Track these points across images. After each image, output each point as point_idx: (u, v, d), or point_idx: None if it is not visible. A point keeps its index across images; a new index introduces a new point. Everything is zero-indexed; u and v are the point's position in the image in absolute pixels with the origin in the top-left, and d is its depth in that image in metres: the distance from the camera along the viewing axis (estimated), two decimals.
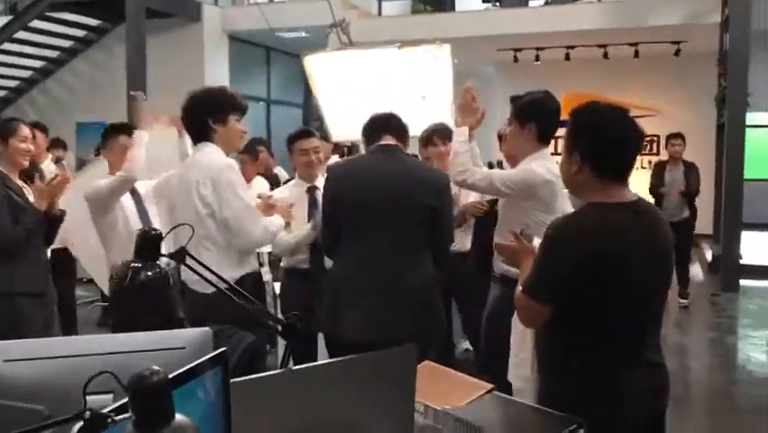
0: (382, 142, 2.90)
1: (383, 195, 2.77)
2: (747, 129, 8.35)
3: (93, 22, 10.96)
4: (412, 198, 2.78)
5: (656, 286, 1.98)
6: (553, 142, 3.19)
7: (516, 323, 2.35)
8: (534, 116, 3.07)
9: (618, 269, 1.86)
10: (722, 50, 9.08)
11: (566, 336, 1.95)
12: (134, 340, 1.56)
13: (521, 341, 2.36)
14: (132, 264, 1.62)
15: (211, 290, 1.85)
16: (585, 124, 1.97)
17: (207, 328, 1.58)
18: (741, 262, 8.36)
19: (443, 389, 1.94)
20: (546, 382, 2.04)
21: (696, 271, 7.63)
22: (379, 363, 1.75)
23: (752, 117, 8.99)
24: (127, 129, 3.87)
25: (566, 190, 2.44)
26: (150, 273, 1.62)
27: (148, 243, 1.63)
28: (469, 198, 4.07)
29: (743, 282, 8.29)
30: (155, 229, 1.67)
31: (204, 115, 2.96)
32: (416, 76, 4.68)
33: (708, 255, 9.25)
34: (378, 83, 4.75)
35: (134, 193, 3.80)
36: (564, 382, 1.96)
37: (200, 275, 1.72)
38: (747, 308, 7.69)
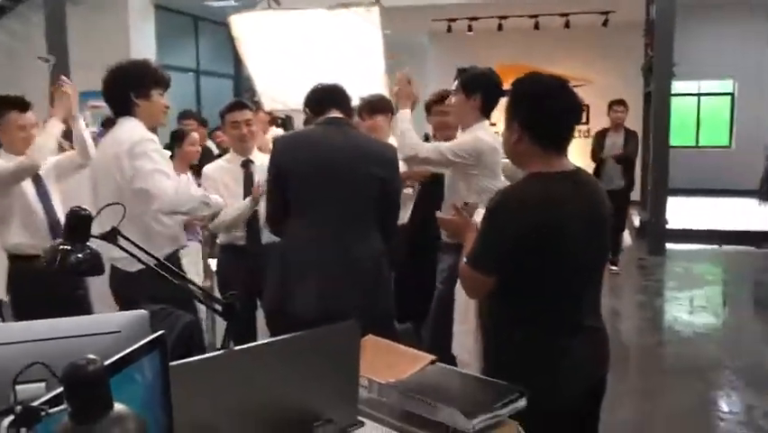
0: (330, 115, 2.85)
1: (331, 168, 2.72)
2: (673, 98, 8.59)
3: None
4: (360, 170, 2.75)
5: (595, 254, 2.02)
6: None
7: (459, 294, 2.37)
8: (481, 88, 3.16)
9: (558, 238, 1.89)
10: (648, 21, 9.28)
11: (508, 305, 1.98)
12: (67, 325, 1.50)
13: (465, 312, 2.38)
14: (62, 246, 1.54)
15: (137, 267, 1.78)
16: (525, 94, 1.98)
17: (144, 311, 1.53)
18: (667, 226, 8.66)
19: (386, 362, 1.94)
20: (489, 352, 2.07)
21: (625, 236, 7.84)
22: (322, 339, 1.73)
23: (677, 86, 9.26)
24: (20, 104, 3.54)
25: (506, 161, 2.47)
26: (80, 255, 1.55)
27: (78, 223, 1.55)
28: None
29: (669, 246, 8.60)
30: (84, 209, 1.59)
31: (126, 89, 2.85)
32: (346, 38, 4.60)
33: (636, 221, 9.53)
34: (307, 46, 4.66)
35: (35, 175, 3.53)
36: (507, 352, 1.99)
37: (131, 254, 1.65)
38: (673, 271, 7.99)
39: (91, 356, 0.91)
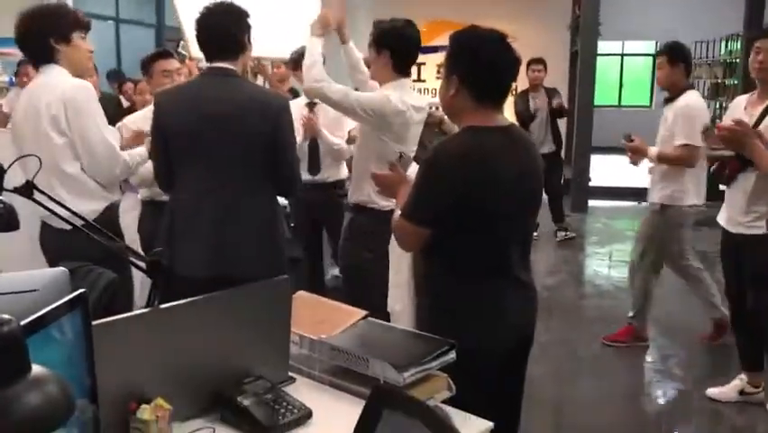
0: (215, 65, 2.66)
1: (215, 123, 2.56)
2: (597, 57, 8.75)
3: None
4: (243, 124, 2.59)
5: (527, 207, 2.06)
6: None
7: (393, 250, 2.37)
8: (389, 44, 3.03)
9: (492, 192, 1.90)
10: None
11: (441, 257, 1.99)
12: None
13: (398, 266, 2.38)
14: None
15: (68, 226, 1.70)
16: (463, 48, 1.97)
17: (63, 268, 1.46)
18: (590, 184, 8.89)
19: (317, 318, 1.93)
20: (423, 305, 2.09)
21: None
22: (251, 296, 1.70)
23: (602, 46, 9.43)
24: None
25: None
26: None
27: None
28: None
29: (591, 203, 8.85)
30: None
31: (44, 35, 2.66)
32: None
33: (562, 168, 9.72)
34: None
35: None
36: (439, 304, 2.02)
37: (51, 211, 1.57)
38: (594, 226, 8.25)
39: (5, 316, 0.86)
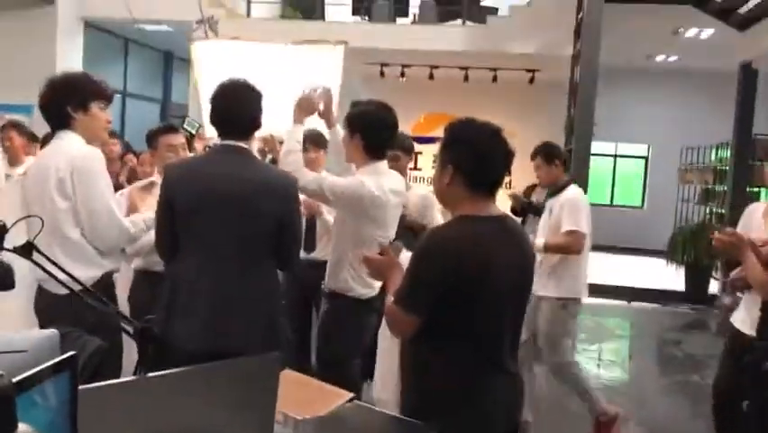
0: (227, 142, 2.70)
1: (225, 200, 2.58)
2: (591, 157, 8.94)
3: None
4: (256, 204, 2.61)
5: (518, 298, 2.07)
6: None
7: (382, 337, 2.36)
8: (360, 127, 3.03)
9: (483, 281, 1.92)
10: (572, 82, 9.68)
11: (430, 345, 1.98)
12: None
13: (386, 355, 2.37)
14: None
15: (65, 290, 1.71)
16: (459, 138, 2.03)
17: (54, 330, 1.46)
18: None
19: (303, 398, 1.91)
20: (408, 391, 2.07)
21: None
22: (240, 370, 1.69)
23: (596, 146, 9.66)
24: None
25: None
26: None
27: None
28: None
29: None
30: None
31: (63, 102, 2.73)
32: (304, 73, 4.39)
33: None
34: (265, 78, 4.52)
35: None
36: (426, 391, 2.00)
37: (50, 273, 1.58)
38: (584, 323, 8.20)
39: None
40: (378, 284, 3.04)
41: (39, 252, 1.56)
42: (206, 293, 2.58)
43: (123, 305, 3.48)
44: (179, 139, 3.62)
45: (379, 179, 3.01)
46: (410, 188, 4.00)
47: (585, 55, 8.70)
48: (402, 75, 11.72)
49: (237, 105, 2.69)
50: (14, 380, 0.96)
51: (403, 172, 3.82)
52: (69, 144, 2.72)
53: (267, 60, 4.75)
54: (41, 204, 2.65)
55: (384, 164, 3.12)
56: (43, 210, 2.51)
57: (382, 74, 11.82)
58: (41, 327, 2.56)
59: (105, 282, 2.76)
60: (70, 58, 10.44)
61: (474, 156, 1.99)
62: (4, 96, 7.46)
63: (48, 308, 2.64)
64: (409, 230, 3.36)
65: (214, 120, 2.74)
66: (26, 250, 1.55)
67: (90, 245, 2.72)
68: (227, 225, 2.58)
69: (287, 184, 2.74)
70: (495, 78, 11.54)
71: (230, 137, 2.70)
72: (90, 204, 2.68)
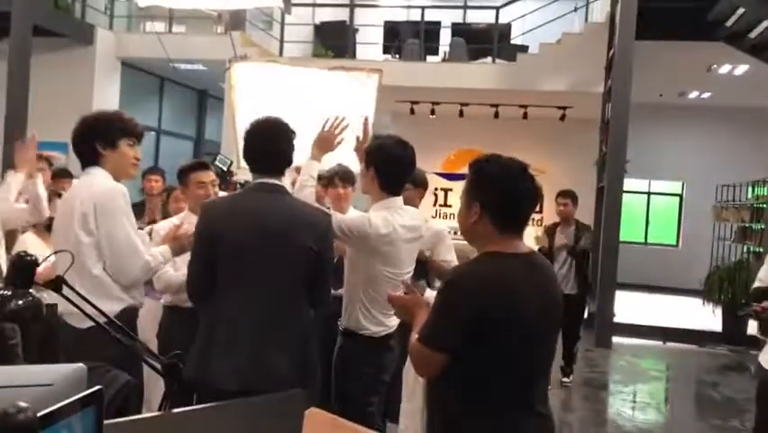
0: (263, 180, 2.71)
1: (264, 237, 2.59)
2: (624, 194, 8.85)
3: None
4: (294, 240, 2.62)
5: (547, 337, 2.02)
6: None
7: (407, 374, 2.33)
8: (376, 161, 3.01)
9: (512, 319, 1.88)
10: (604, 119, 9.64)
11: (457, 385, 1.94)
12: None
13: (412, 391, 2.33)
14: (2, 292, 1.47)
15: (87, 324, 1.71)
16: (485, 176, 2.00)
17: (81, 364, 1.45)
18: (614, 320, 8.76)
19: None
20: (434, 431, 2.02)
21: None
22: (264, 408, 1.67)
23: (628, 183, 9.56)
24: None
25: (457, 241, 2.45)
26: (20, 302, 1.48)
27: (21, 269, 1.49)
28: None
29: (615, 339, 8.68)
30: (29, 255, 1.53)
31: (92, 139, 2.79)
32: (339, 101, 4.42)
33: (584, 313, 9.61)
34: (300, 102, 4.45)
35: None
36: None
37: (78, 307, 1.59)
38: (618, 364, 8.04)
39: (23, 404, 0.86)
40: (393, 322, 3.00)
41: (68, 285, 1.57)
42: (250, 330, 2.56)
43: (153, 341, 3.49)
44: (210, 176, 3.65)
45: (390, 216, 2.99)
46: (427, 221, 3.97)
47: (616, 92, 8.67)
48: (432, 112, 11.78)
49: (270, 144, 2.72)
50: (40, 414, 0.95)
51: (412, 206, 3.81)
52: (96, 180, 2.76)
53: (302, 84, 4.72)
54: (66, 239, 2.69)
55: (399, 200, 3.10)
56: (67, 245, 2.54)
57: (412, 111, 11.90)
58: (65, 361, 2.57)
59: (128, 316, 2.76)
60: (107, 96, 10.70)
61: (502, 194, 1.97)
62: (43, 133, 7.62)
63: (70, 343, 2.65)
64: (417, 262, 3.31)
65: (248, 157, 2.76)
66: (56, 284, 1.56)
67: (111, 280, 2.73)
68: (268, 260, 2.59)
69: (324, 220, 2.76)
70: (525, 115, 11.54)
71: (264, 175, 2.72)
72: (113, 236, 2.70)
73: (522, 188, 1.98)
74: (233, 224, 2.62)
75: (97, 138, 2.79)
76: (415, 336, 2.00)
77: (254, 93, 4.77)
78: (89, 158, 2.81)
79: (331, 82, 4.73)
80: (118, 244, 2.72)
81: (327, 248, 2.72)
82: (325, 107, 4.30)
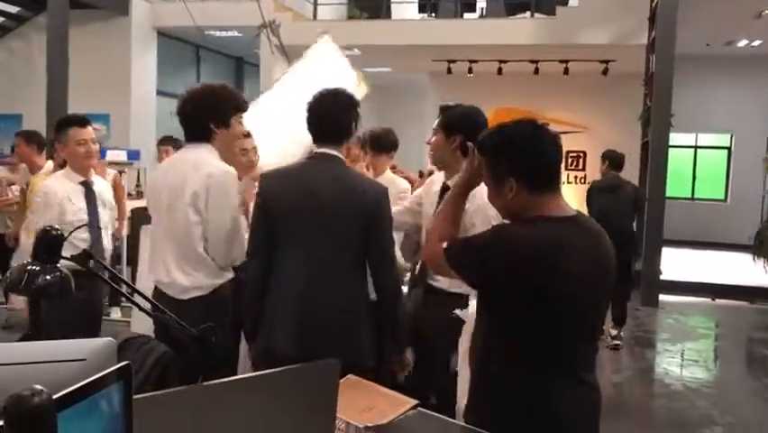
0: (320, 150, 2.75)
1: (316, 204, 2.63)
2: (670, 149, 8.61)
3: (11, 8, 10.48)
4: (346, 208, 2.64)
5: (595, 303, 1.94)
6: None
7: (463, 342, 2.30)
8: (462, 129, 2.96)
9: (558, 283, 1.81)
10: (648, 72, 9.35)
11: (500, 348, 1.90)
12: (29, 350, 1.42)
13: (464, 359, 2.29)
14: (30, 267, 1.46)
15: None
16: (505, 148, 1.93)
17: (111, 339, 1.45)
18: (661, 277, 8.60)
19: (365, 404, 1.86)
20: (477, 400, 1.99)
21: None
22: (298, 378, 1.65)
23: (674, 138, 9.29)
24: (79, 121, 3.60)
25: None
26: (48, 278, 1.47)
27: (47, 243, 1.48)
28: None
29: (662, 297, 8.53)
30: (56, 229, 1.52)
31: (206, 117, 2.76)
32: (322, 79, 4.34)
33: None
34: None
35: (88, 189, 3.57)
36: (496, 400, 1.91)
37: (108, 282, 1.58)
38: (666, 322, 7.91)
39: (37, 387, 0.84)
40: None
41: (96, 260, 1.56)
42: (300, 299, 2.62)
43: None
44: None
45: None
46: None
47: (660, 43, 8.38)
48: (470, 71, 11.58)
49: (329, 113, 2.73)
50: (63, 392, 0.94)
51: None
52: (206, 159, 2.74)
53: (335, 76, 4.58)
54: (172, 214, 2.72)
55: None
56: (173, 220, 2.64)
57: (449, 71, 11.72)
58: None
59: (227, 290, 2.82)
60: (145, 66, 10.77)
61: (528, 157, 1.89)
62: (83, 106, 7.72)
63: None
64: None
65: (309, 126, 2.78)
66: (84, 259, 1.54)
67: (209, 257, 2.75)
68: (320, 228, 2.62)
69: (378, 191, 2.75)
70: (566, 71, 11.27)
71: (322, 144, 2.74)
72: (221, 224, 2.72)
73: (543, 142, 1.90)
74: (284, 190, 2.68)
75: (211, 117, 2.76)
76: (443, 244, 1.99)
77: (303, 78, 4.60)
78: (201, 135, 2.78)
79: (309, 69, 4.57)
80: (225, 230, 2.74)
81: (381, 216, 2.70)
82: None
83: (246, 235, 2.82)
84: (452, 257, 1.96)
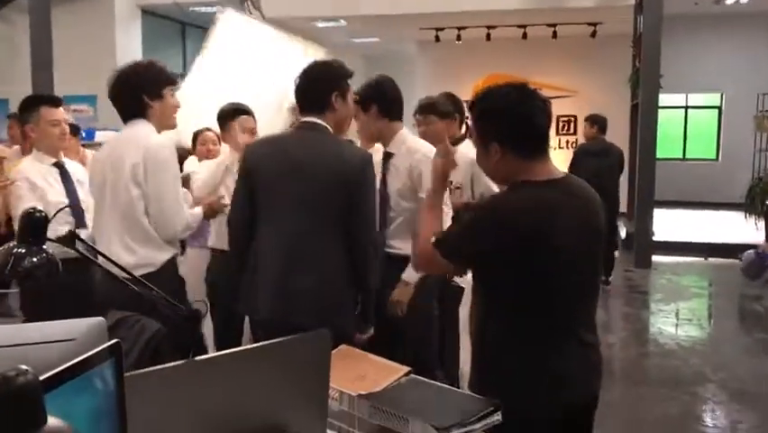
0: (305, 119, 2.76)
1: (292, 170, 2.65)
2: (660, 110, 8.60)
3: None
4: (326, 173, 2.64)
5: (588, 264, 1.96)
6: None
7: (464, 311, 2.32)
8: (374, 97, 3.17)
9: (550, 249, 1.83)
10: (636, 33, 9.30)
11: (499, 314, 1.93)
12: (18, 331, 1.42)
13: (465, 327, 2.32)
14: (15, 250, 1.46)
15: (123, 275, 1.72)
16: (491, 112, 1.93)
17: (101, 318, 1.45)
18: (653, 238, 8.64)
19: (358, 373, 1.88)
20: (477, 365, 2.01)
21: None
22: (290, 349, 1.66)
23: (664, 99, 9.27)
24: (51, 99, 3.54)
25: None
26: (35, 260, 1.47)
27: (33, 226, 1.47)
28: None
29: (655, 258, 8.58)
30: (40, 211, 1.52)
31: (139, 91, 2.77)
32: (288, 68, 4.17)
33: (623, 233, 9.52)
34: (258, 62, 4.51)
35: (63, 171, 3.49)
36: (494, 365, 1.94)
37: (93, 261, 1.58)
38: (659, 282, 7.97)
39: (23, 367, 0.84)
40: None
41: (81, 240, 1.56)
42: (276, 261, 2.65)
43: (196, 288, 3.48)
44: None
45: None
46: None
47: (648, 3, 8.32)
48: (458, 38, 11.50)
49: (313, 83, 2.75)
50: (51, 373, 0.95)
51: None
52: (143, 133, 2.76)
53: (267, 46, 4.71)
54: (115, 191, 2.73)
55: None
56: (116, 197, 2.65)
57: (437, 39, 11.63)
58: (100, 308, 2.62)
59: (175, 265, 2.86)
60: (130, 45, 10.64)
61: (514, 122, 1.89)
62: (68, 87, 7.65)
63: (105, 290, 2.70)
64: None
65: (296, 96, 2.81)
66: (69, 239, 1.54)
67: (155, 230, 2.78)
68: (301, 196, 2.64)
69: (361, 156, 2.77)
70: (555, 35, 11.19)
71: (306, 113, 2.76)
72: (160, 193, 2.73)
73: (530, 106, 1.89)
74: (266, 157, 2.72)
75: (144, 90, 2.77)
76: (432, 238, 1.96)
77: (226, 50, 4.74)
78: (134, 111, 2.79)
79: (288, 51, 4.66)
80: (165, 201, 2.76)
81: (362, 184, 2.69)
82: (276, 77, 4.23)
83: (186, 207, 2.91)
84: (442, 244, 1.95)
